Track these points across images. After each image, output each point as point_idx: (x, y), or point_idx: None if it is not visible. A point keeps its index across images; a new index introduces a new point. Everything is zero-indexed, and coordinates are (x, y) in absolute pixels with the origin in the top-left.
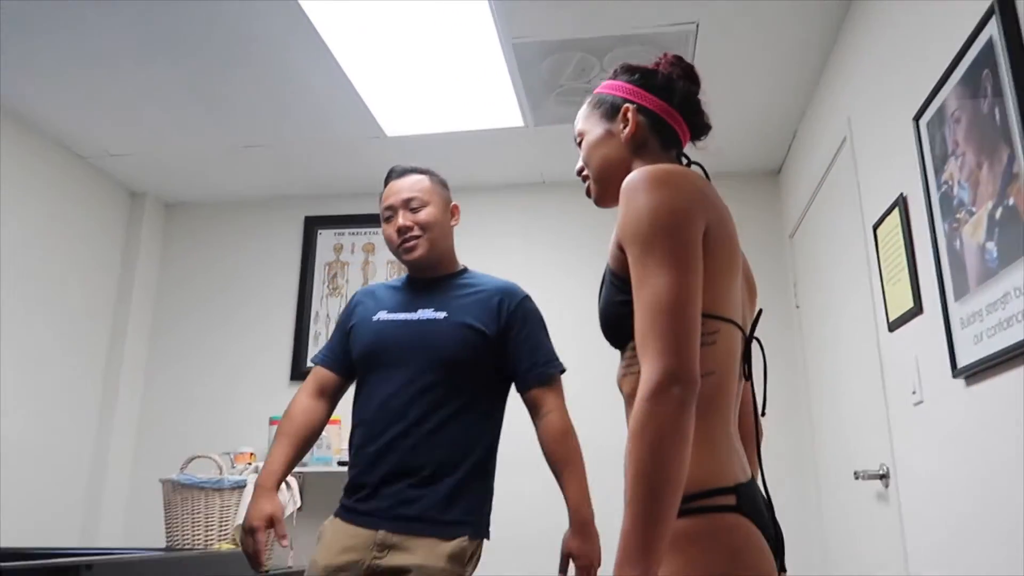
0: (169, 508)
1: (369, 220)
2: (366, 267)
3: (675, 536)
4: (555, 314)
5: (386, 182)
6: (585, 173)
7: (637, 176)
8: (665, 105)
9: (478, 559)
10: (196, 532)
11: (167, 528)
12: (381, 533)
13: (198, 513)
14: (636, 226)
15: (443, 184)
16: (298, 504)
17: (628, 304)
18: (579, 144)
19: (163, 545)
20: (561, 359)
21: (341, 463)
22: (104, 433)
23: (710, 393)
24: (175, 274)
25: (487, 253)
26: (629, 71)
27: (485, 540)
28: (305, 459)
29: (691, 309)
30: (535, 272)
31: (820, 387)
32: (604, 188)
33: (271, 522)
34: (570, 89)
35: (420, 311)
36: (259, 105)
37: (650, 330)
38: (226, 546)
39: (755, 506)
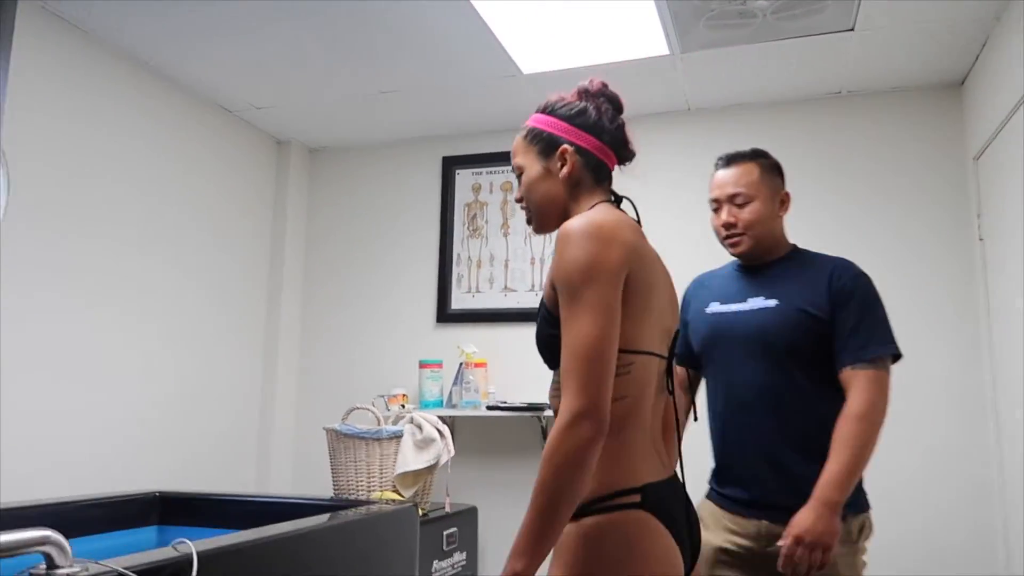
0: (334, 456)
1: (506, 158)
2: (504, 207)
3: (584, 530)
4: (705, 246)
5: (715, 167)
6: (524, 204)
7: (574, 228)
8: (597, 143)
9: (871, 528)
10: (359, 480)
11: (333, 476)
12: (764, 523)
13: (360, 462)
14: (568, 275)
15: (773, 170)
16: (452, 453)
17: (557, 336)
18: (517, 176)
19: (329, 492)
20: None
21: (490, 407)
22: (269, 382)
23: (624, 413)
24: (321, 220)
25: (632, 185)
26: (564, 109)
27: (870, 509)
28: (455, 401)
29: (607, 354)
30: (684, 203)
31: (1007, 331)
32: (543, 221)
33: None
34: (722, 12)
35: (751, 300)
36: (394, 51)
37: (572, 369)
38: (387, 494)
39: (663, 503)
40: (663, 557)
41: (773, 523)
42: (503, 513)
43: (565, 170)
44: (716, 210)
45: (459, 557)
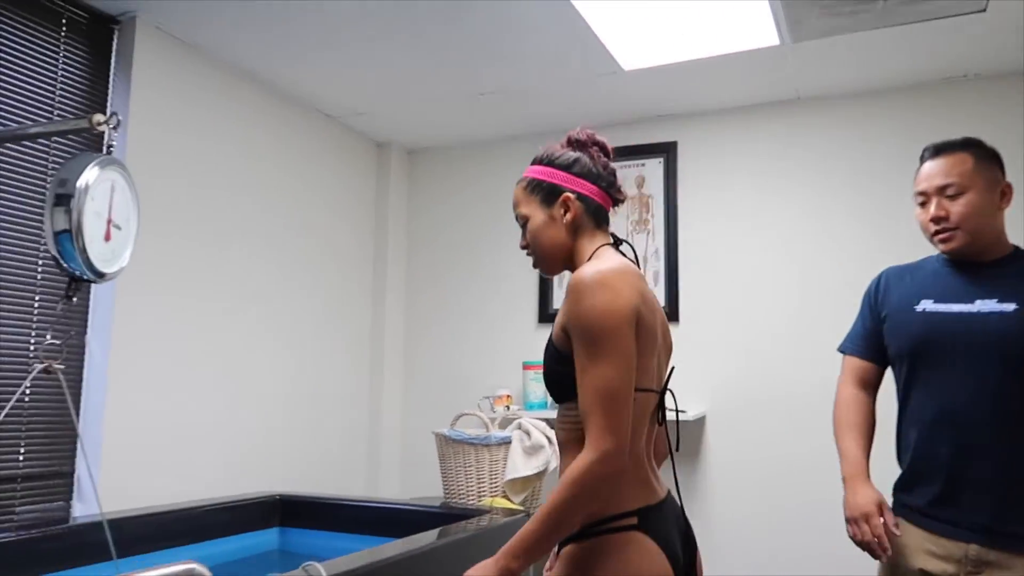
0: (444, 460)
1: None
2: None
3: (586, 551)
4: (826, 237)
5: (921, 159)
6: (529, 251)
7: (585, 278)
8: (596, 188)
9: None
10: (469, 485)
11: (444, 480)
12: (974, 547)
13: (470, 467)
14: (585, 324)
15: (991, 159)
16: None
17: (566, 373)
18: (522, 225)
19: (437, 492)
20: (824, 292)
21: None
22: (376, 385)
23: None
24: (422, 222)
25: (738, 177)
26: (561, 159)
27: None
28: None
29: (626, 396)
30: (793, 194)
31: None
32: (550, 265)
33: (881, 507)
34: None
35: (979, 302)
36: (492, 50)
37: (596, 409)
38: (499, 502)
39: (657, 524)
40: (658, 574)
41: (985, 547)
42: None
43: (569, 216)
44: (923, 204)
45: None
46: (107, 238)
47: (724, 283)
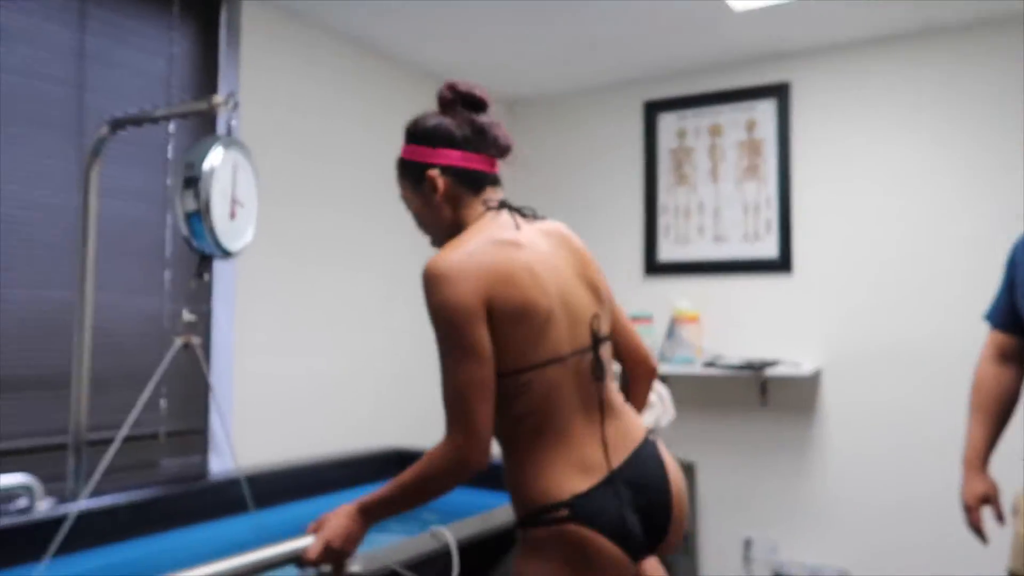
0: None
1: (713, 99)
2: (713, 152)
3: (532, 542)
4: (944, 185)
5: None
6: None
7: (427, 273)
8: (459, 154)
9: None
10: None
11: None
12: None
13: None
14: (433, 320)
15: None
16: (672, 416)
17: None
18: (407, 206)
19: None
20: (949, 240)
21: (706, 364)
22: None
23: (533, 431)
24: (521, 173)
25: (856, 118)
26: (420, 133)
27: None
28: (668, 357)
29: (475, 391)
30: (916, 136)
31: None
32: (443, 242)
33: (986, 499)
34: None
35: None
36: None
37: (447, 404)
38: None
39: (596, 507)
40: (601, 560)
41: None
42: (720, 469)
43: (439, 195)
44: None
45: None
46: (232, 216)
47: (841, 231)
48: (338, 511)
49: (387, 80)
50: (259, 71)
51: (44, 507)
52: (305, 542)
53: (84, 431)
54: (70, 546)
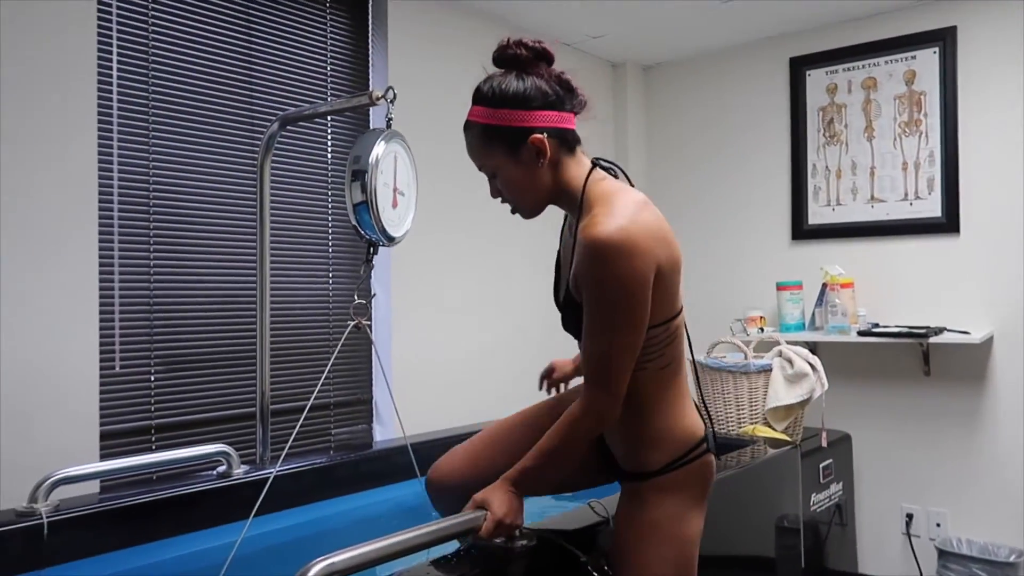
0: (701, 388)
1: (866, 50)
2: (867, 107)
3: (673, 482)
4: None
5: None
6: (504, 200)
7: (606, 243)
8: (556, 115)
9: None
10: (728, 412)
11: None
12: None
13: (728, 394)
14: (604, 292)
15: None
16: (825, 387)
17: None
18: (491, 176)
19: None
20: None
21: (861, 333)
22: None
23: (675, 374)
24: (661, 142)
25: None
26: (511, 96)
27: None
28: (820, 324)
29: (631, 357)
30: None
31: None
32: (537, 210)
33: None
34: None
35: None
36: None
37: (598, 367)
38: (760, 431)
39: (709, 439)
40: (712, 476)
41: None
42: (879, 440)
43: (547, 159)
44: None
45: (835, 488)
46: (394, 205)
47: (1014, 187)
48: (495, 488)
49: None
50: (406, 58)
51: (240, 472)
52: (476, 516)
53: (268, 403)
54: (263, 508)
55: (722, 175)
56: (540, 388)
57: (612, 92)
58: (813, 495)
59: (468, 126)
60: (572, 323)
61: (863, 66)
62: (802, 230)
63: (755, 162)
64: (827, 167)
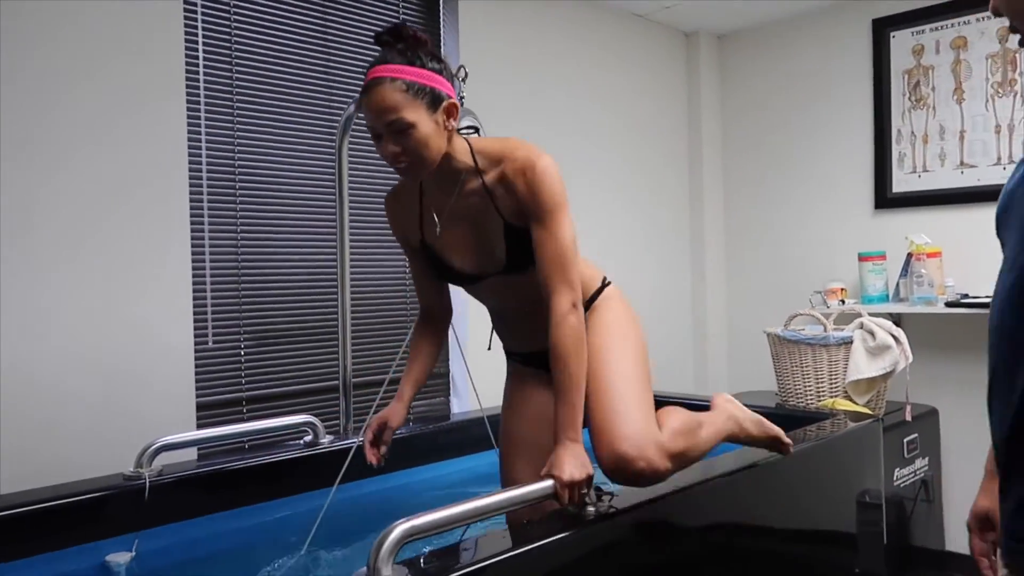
0: (778, 360)
1: (956, 8)
2: (957, 68)
3: (605, 298)
4: None
5: None
6: (404, 158)
7: (548, 163)
8: (453, 90)
9: None
10: (807, 385)
11: (778, 380)
12: None
13: (807, 367)
14: (556, 199)
15: None
16: (909, 359)
17: (528, 246)
18: (401, 130)
19: (766, 389)
20: None
21: (949, 304)
22: (698, 281)
23: None
24: (736, 111)
25: None
26: (434, 63)
27: None
28: (904, 295)
29: (577, 249)
30: None
31: None
32: (430, 170)
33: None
34: None
35: None
36: None
37: (561, 263)
38: (840, 404)
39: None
40: None
41: None
42: (968, 416)
43: (453, 123)
44: None
45: (921, 463)
46: None
47: None
48: (560, 452)
49: (596, 27)
50: (477, 37)
51: (326, 442)
52: (546, 486)
53: (351, 376)
54: (346, 476)
55: (800, 144)
56: (369, 459)
57: (685, 62)
58: (897, 470)
59: (387, 81)
60: (518, 254)
61: (952, 25)
62: (886, 198)
63: (835, 130)
64: (912, 132)
